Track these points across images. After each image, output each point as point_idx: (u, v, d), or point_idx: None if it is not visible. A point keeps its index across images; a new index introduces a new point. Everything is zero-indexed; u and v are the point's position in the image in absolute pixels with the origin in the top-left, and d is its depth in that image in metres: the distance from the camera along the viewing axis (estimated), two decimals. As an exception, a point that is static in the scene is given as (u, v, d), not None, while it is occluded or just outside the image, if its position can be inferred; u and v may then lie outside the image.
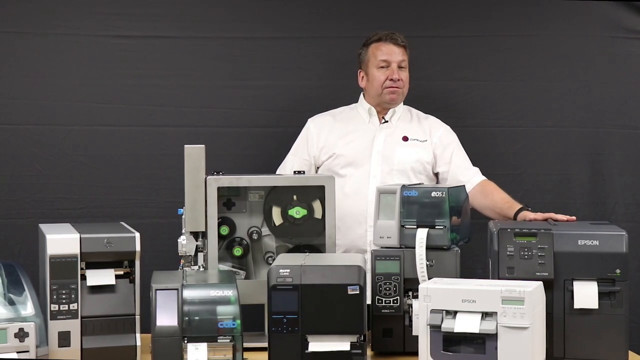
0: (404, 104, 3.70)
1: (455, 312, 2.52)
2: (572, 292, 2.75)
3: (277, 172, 3.64)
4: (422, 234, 2.84)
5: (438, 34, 3.93)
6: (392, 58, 3.59)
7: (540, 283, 2.61)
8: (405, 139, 3.61)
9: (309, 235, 3.05)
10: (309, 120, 3.69)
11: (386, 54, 3.59)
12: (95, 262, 2.78)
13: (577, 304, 2.74)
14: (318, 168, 3.64)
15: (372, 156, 3.57)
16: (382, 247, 2.91)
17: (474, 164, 3.85)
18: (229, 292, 2.58)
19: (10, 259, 2.97)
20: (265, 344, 2.65)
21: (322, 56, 3.92)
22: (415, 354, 2.59)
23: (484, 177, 3.59)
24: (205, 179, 2.96)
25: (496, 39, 3.94)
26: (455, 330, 2.50)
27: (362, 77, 3.66)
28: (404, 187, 2.93)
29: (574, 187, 3.94)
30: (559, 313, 2.76)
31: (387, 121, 3.64)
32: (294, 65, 3.92)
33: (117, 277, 2.80)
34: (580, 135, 3.95)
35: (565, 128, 3.94)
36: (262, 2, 3.91)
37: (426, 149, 3.61)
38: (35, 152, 3.80)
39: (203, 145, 2.97)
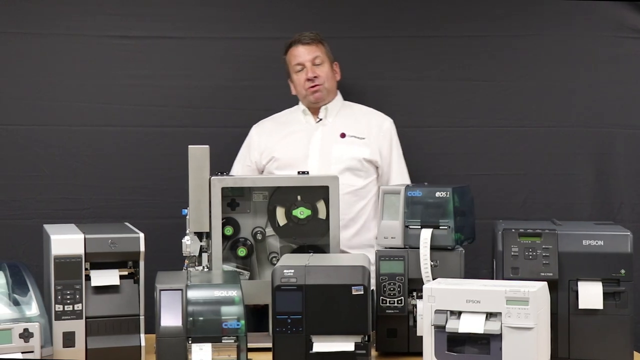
0: (345, 99, 3.69)
1: (460, 313, 2.52)
2: (576, 292, 2.75)
3: None
4: (426, 234, 2.84)
5: (441, 33, 3.92)
6: (304, 58, 3.60)
7: (545, 283, 2.60)
8: (343, 135, 3.61)
9: (313, 236, 3.05)
10: (253, 127, 3.71)
11: (298, 57, 3.61)
12: (99, 262, 2.79)
13: (582, 305, 2.74)
14: (262, 173, 3.65)
15: (309, 156, 3.57)
16: (386, 248, 2.90)
17: (478, 164, 3.86)
18: (233, 293, 2.59)
19: (14, 259, 2.97)
20: (270, 345, 2.65)
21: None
22: (420, 354, 2.59)
23: None
24: (210, 179, 2.96)
25: (500, 39, 3.93)
26: (459, 331, 2.50)
27: (291, 84, 3.68)
28: (408, 187, 2.93)
29: (578, 187, 3.93)
30: (564, 313, 2.76)
31: (320, 119, 3.64)
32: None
33: (121, 277, 2.81)
34: (584, 135, 3.94)
35: (570, 128, 3.94)
36: (266, 2, 3.91)
37: (367, 146, 3.58)
38: (39, 153, 3.80)
39: (207, 146, 2.97)
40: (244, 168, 3.66)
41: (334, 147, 3.58)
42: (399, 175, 3.63)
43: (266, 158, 3.62)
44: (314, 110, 3.66)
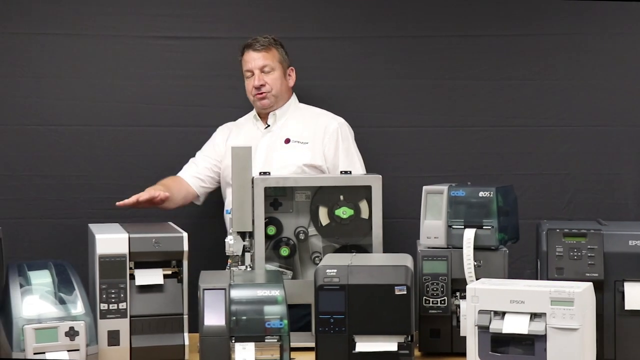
0: (301, 101, 3.68)
1: (504, 313, 2.50)
2: (622, 293, 2.72)
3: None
4: (469, 234, 2.83)
5: (484, 33, 3.89)
6: (253, 65, 3.56)
7: (590, 284, 2.58)
8: (287, 141, 3.56)
9: (356, 235, 3.04)
10: (219, 127, 3.70)
11: (248, 63, 3.58)
12: (143, 261, 2.81)
13: (628, 305, 2.71)
14: (216, 170, 3.65)
15: (254, 163, 3.54)
16: (429, 247, 2.89)
17: (522, 164, 3.83)
18: (276, 292, 2.59)
19: (60, 258, 3.00)
20: (313, 344, 2.65)
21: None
22: (463, 354, 2.58)
23: None
24: (252, 179, 2.97)
25: (544, 38, 3.90)
26: (503, 331, 2.48)
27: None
28: (451, 187, 2.91)
29: (624, 187, 3.89)
30: (610, 314, 2.73)
31: (269, 125, 3.61)
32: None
33: (165, 276, 2.83)
34: (630, 134, 3.89)
35: (615, 127, 3.89)
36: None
37: (309, 150, 3.53)
38: (84, 153, 3.84)
39: (250, 146, 2.98)
40: (204, 159, 3.65)
41: (277, 153, 3.54)
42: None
43: (222, 164, 3.61)
44: (264, 115, 3.63)
